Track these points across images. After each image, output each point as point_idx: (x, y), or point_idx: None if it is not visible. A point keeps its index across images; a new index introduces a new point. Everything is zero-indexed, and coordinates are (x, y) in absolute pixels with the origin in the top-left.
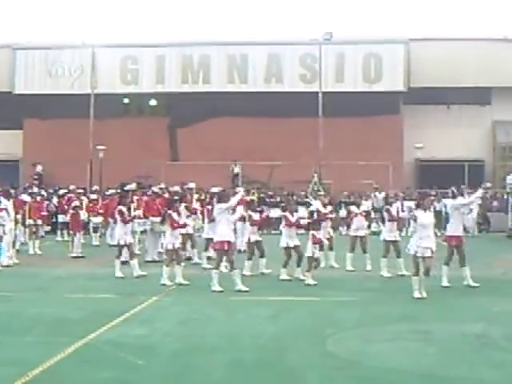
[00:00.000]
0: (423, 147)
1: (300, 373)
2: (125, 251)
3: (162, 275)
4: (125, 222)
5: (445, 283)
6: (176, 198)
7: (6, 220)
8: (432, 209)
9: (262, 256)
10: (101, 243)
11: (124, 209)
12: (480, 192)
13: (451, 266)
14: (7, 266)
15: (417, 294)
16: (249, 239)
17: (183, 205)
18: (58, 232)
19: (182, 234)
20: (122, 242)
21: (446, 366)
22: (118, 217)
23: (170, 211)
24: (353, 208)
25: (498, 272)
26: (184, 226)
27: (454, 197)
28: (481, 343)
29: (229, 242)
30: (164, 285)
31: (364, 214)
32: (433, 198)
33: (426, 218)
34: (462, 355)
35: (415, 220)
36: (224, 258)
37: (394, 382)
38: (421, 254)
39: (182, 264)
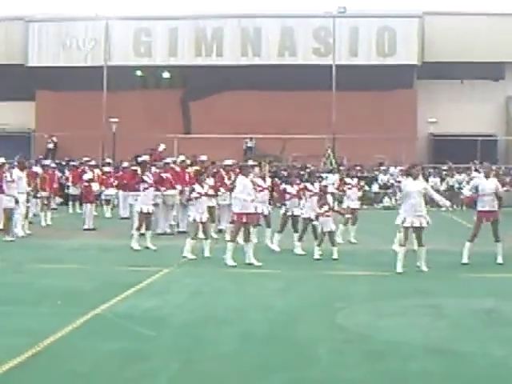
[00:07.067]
0: (436, 122)
1: (309, 346)
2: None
3: (185, 247)
4: (152, 186)
5: (465, 260)
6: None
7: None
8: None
9: (295, 231)
10: (113, 215)
11: (146, 178)
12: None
13: (458, 241)
14: (21, 237)
15: (399, 269)
16: (285, 212)
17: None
18: (70, 204)
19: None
20: (144, 210)
21: (456, 341)
22: (142, 185)
23: (193, 185)
24: (348, 180)
25: (509, 248)
26: (205, 195)
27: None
28: (491, 318)
29: (248, 214)
30: (185, 257)
31: (359, 186)
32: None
33: (414, 186)
34: (472, 330)
35: (400, 190)
36: (241, 230)
37: (403, 356)
38: (408, 223)
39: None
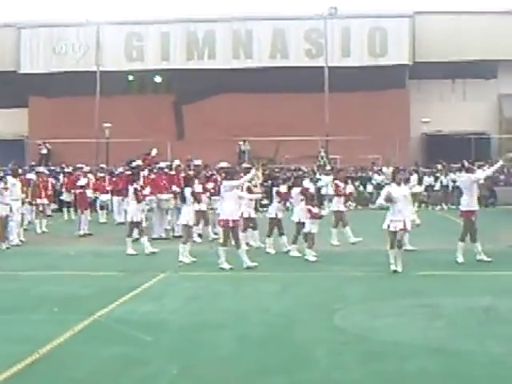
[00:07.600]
0: (429, 121)
1: (307, 348)
2: (136, 229)
3: (180, 253)
4: (139, 200)
5: (460, 259)
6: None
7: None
8: (412, 183)
9: (281, 234)
10: (108, 221)
11: (138, 187)
12: (500, 163)
13: (452, 240)
14: (16, 245)
15: (393, 267)
16: (276, 215)
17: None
18: (65, 210)
19: (196, 211)
20: (135, 219)
21: (454, 340)
22: (132, 195)
23: (191, 188)
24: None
25: (504, 245)
26: (200, 201)
27: (467, 170)
28: (488, 317)
29: (234, 220)
30: (181, 262)
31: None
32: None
33: (398, 191)
34: (470, 329)
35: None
36: (230, 235)
37: (401, 356)
38: (393, 228)
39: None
